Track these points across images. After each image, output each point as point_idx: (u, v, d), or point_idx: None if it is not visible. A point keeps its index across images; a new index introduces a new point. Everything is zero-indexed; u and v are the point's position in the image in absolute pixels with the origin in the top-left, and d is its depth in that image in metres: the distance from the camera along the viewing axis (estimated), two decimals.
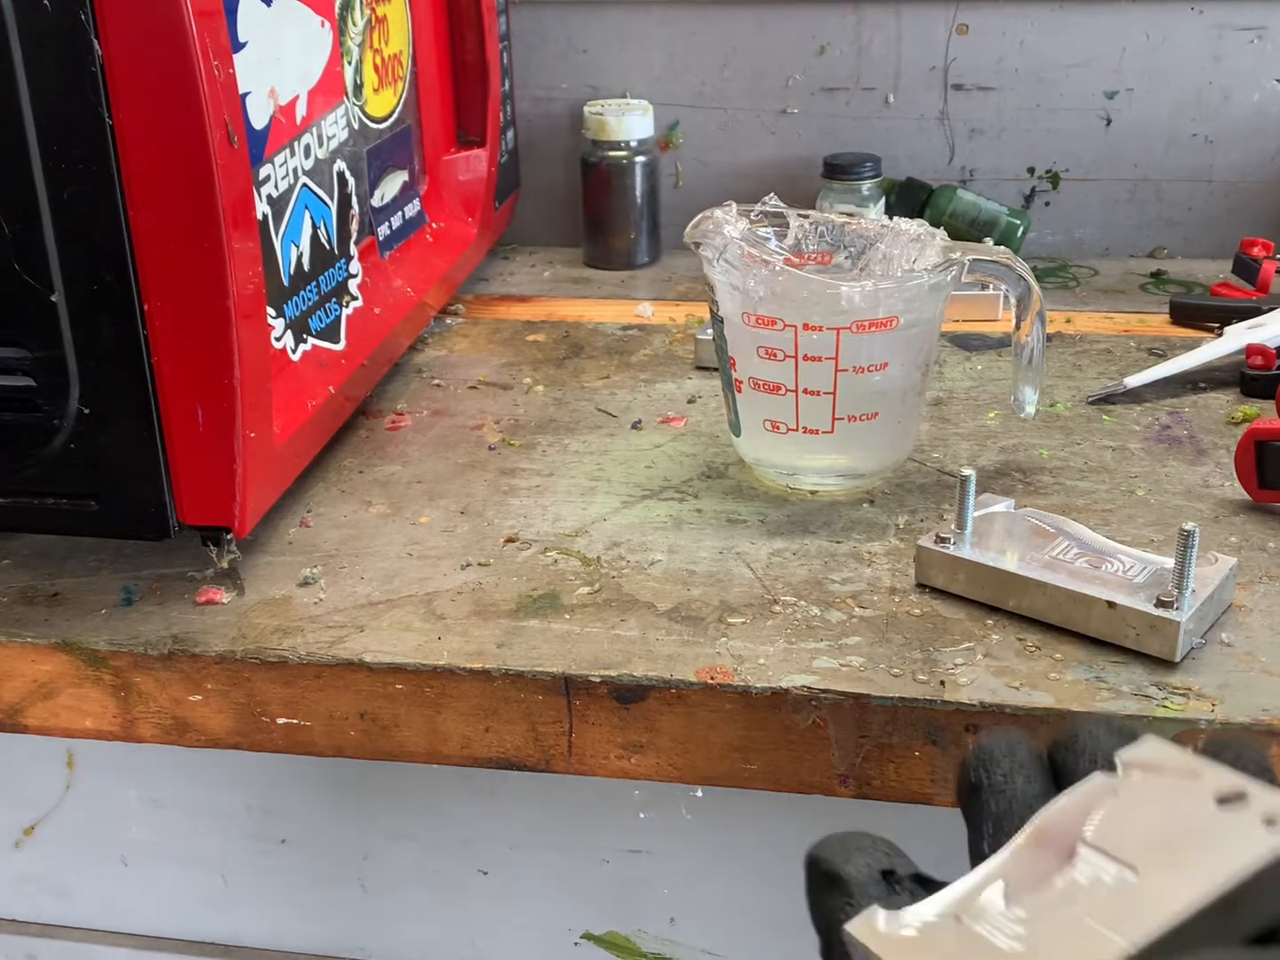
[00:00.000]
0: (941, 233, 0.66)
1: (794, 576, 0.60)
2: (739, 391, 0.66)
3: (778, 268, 0.63)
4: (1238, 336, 0.79)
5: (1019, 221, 0.98)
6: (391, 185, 0.81)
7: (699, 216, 0.65)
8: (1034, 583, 0.55)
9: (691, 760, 0.54)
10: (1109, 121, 1.01)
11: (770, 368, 0.64)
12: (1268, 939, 0.30)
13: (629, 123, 0.99)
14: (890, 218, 0.67)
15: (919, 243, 0.65)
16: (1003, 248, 0.65)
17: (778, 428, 0.66)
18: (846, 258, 0.68)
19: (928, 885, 0.34)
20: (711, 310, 0.66)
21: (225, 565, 0.60)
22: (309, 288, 0.67)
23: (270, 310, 0.62)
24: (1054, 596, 0.55)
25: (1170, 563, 0.54)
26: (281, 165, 0.64)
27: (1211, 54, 0.98)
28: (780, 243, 0.69)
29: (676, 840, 0.63)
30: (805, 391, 0.64)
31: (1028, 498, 0.66)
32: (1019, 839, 0.33)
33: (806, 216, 0.69)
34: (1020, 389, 0.69)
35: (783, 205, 0.69)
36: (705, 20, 1.02)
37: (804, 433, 0.65)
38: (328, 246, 0.70)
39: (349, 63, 0.72)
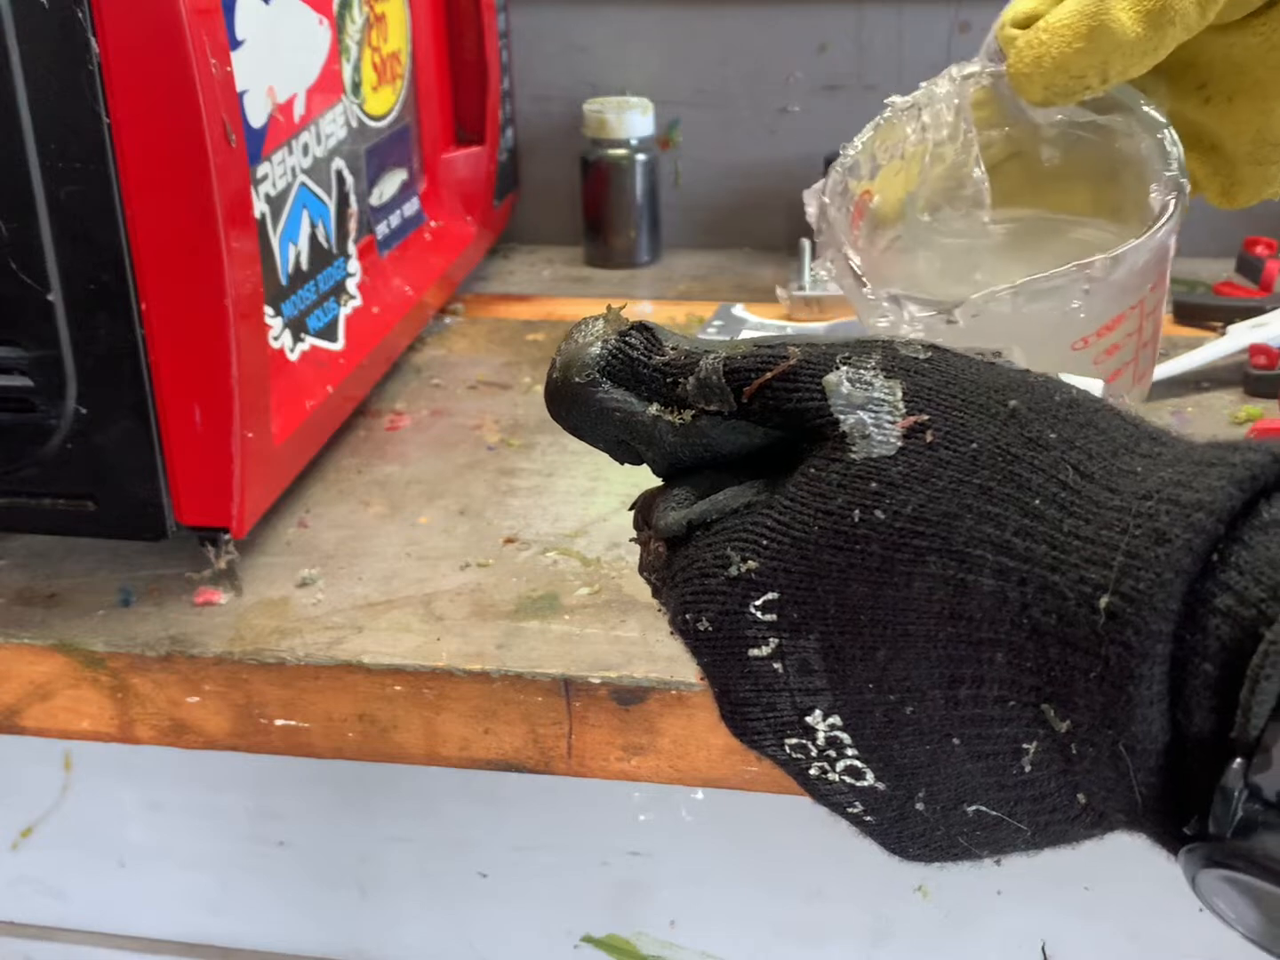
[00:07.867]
0: None
1: None
2: None
3: None
4: (1241, 336, 0.78)
5: None
6: (390, 184, 0.80)
7: None
8: None
9: (692, 762, 0.54)
10: None
11: None
12: None
13: (629, 121, 0.99)
14: None
15: None
16: None
17: None
18: None
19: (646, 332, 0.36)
20: None
21: (223, 566, 0.60)
22: (307, 287, 0.67)
23: (268, 309, 0.62)
24: None
25: None
26: (279, 164, 0.63)
27: None
28: None
29: (677, 842, 0.63)
30: None
31: None
32: None
33: None
34: None
35: None
36: (705, 18, 1.01)
37: None
38: (326, 245, 0.69)
39: (347, 61, 0.72)
